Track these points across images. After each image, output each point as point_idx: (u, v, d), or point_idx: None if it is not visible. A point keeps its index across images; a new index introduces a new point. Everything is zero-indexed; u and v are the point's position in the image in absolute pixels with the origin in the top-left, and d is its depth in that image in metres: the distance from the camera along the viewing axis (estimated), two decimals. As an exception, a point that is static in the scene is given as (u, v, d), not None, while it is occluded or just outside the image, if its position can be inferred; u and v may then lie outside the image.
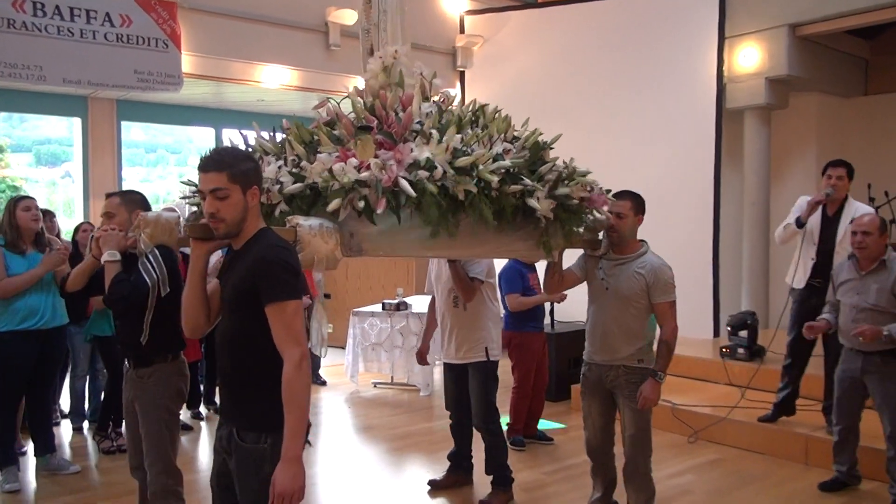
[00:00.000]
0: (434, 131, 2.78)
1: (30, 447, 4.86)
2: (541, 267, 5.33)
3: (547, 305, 6.04)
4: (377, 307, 7.33)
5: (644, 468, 3.57)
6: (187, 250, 3.87)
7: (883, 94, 8.88)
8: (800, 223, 4.96)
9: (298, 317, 2.18)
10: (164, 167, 10.27)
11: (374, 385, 7.38)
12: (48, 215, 5.54)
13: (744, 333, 6.47)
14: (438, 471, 4.67)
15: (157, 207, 4.23)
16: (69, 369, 5.66)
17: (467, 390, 4.42)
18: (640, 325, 3.53)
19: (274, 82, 8.01)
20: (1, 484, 4.40)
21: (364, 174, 2.56)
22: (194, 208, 3.09)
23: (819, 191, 4.99)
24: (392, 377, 7.31)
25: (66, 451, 5.20)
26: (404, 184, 2.58)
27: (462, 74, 9.46)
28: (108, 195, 3.41)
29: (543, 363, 5.53)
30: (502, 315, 4.90)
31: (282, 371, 2.13)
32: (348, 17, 7.98)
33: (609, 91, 8.38)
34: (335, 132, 2.89)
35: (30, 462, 4.82)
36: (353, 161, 2.59)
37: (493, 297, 4.39)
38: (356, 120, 2.90)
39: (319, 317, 6.88)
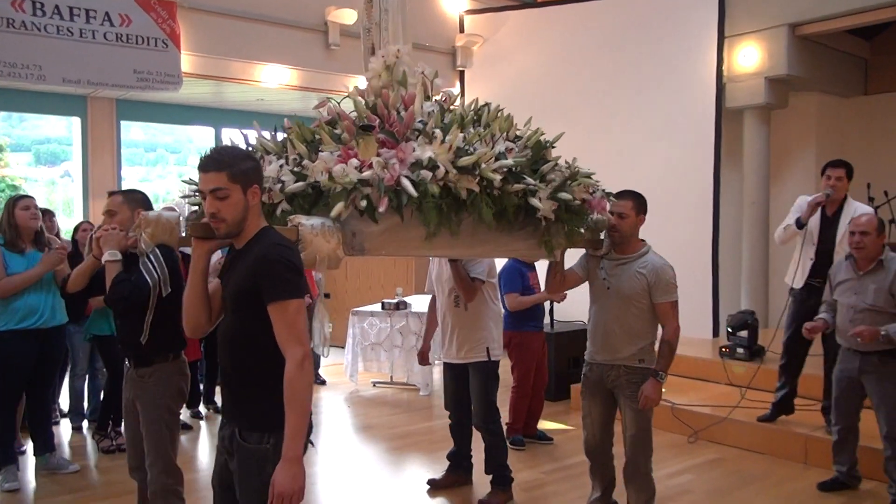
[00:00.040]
0: (437, 130, 2.78)
1: (29, 446, 4.85)
2: (541, 266, 5.35)
3: (546, 305, 6.04)
4: (377, 307, 7.33)
5: (645, 468, 3.57)
6: (187, 250, 3.87)
7: (882, 93, 8.88)
8: (800, 224, 4.96)
9: (301, 316, 2.16)
10: (164, 167, 10.27)
11: (374, 384, 7.38)
12: (47, 214, 5.54)
13: (743, 333, 6.47)
14: (438, 470, 4.67)
15: (156, 207, 4.23)
16: (69, 369, 5.66)
17: (467, 390, 4.42)
18: (642, 324, 3.53)
19: (273, 82, 8.01)
20: (0, 483, 4.40)
21: (366, 173, 2.55)
22: (194, 207, 3.09)
23: (819, 191, 4.99)
24: (391, 376, 7.31)
25: (66, 451, 5.20)
26: (406, 183, 2.57)
27: (462, 74, 9.46)
28: (111, 193, 3.40)
29: (543, 363, 5.52)
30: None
31: (284, 370, 2.12)
32: (348, 16, 7.98)
33: (608, 90, 8.38)
34: (337, 131, 2.88)
35: (29, 461, 4.82)
36: (355, 161, 2.58)
37: (494, 296, 4.39)
38: (358, 119, 2.89)
39: (321, 316, 6.87)
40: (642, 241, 3.60)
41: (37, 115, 8.81)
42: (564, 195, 3.02)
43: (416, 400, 6.85)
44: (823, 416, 5.04)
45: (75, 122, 8.37)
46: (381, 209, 2.52)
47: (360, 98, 3.14)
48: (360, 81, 3.35)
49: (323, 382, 7.39)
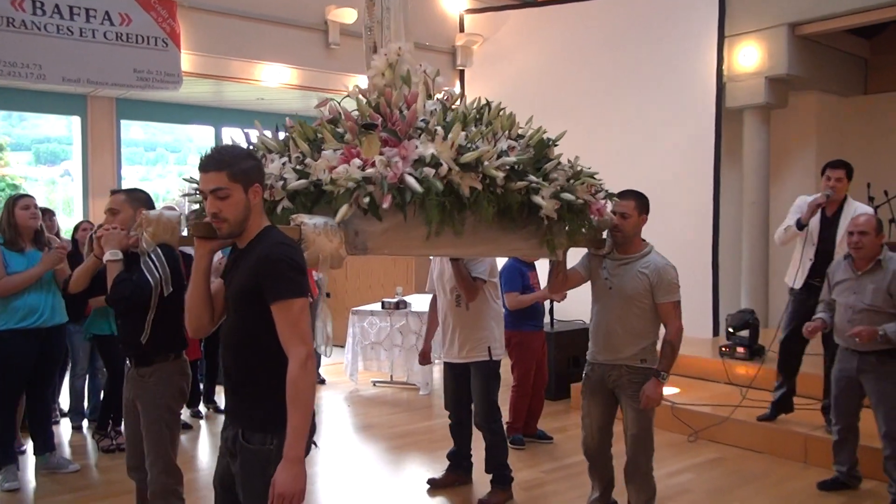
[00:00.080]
0: (439, 128, 2.78)
1: (29, 446, 4.85)
2: (541, 265, 5.35)
3: (546, 304, 6.04)
4: (376, 306, 7.34)
5: (646, 468, 3.57)
6: (187, 249, 3.86)
7: (882, 93, 8.88)
8: (800, 225, 4.96)
9: (304, 315, 2.14)
10: (164, 166, 10.27)
11: (374, 384, 7.39)
12: (47, 214, 5.54)
13: (744, 333, 6.47)
14: (438, 469, 4.67)
15: (157, 206, 4.23)
16: (69, 368, 5.66)
17: (468, 390, 4.42)
18: (644, 324, 3.52)
19: (273, 81, 8.01)
20: (0, 482, 4.40)
21: (369, 171, 2.54)
22: (195, 206, 3.08)
23: (819, 191, 4.99)
24: (391, 376, 7.31)
25: (66, 450, 5.20)
26: (410, 180, 2.56)
27: (462, 73, 9.46)
28: (113, 192, 3.39)
29: (543, 362, 5.52)
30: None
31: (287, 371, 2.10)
32: (348, 15, 7.98)
33: (608, 90, 8.38)
34: (339, 130, 2.88)
35: (29, 461, 4.82)
36: (357, 161, 2.57)
37: (495, 296, 4.38)
38: (360, 118, 2.88)
39: (324, 316, 6.85)
40: (645, 241, 3.59)
41: (37, 114, 8.81)
42: (567, 196, 3.01)
43: (415, 399, 6.85)
44: (823, 416, 5.04)
45: (75, 121, 8.37)
46: (385, 206, 2.51)
47: (361, 97, 3.14)
48: (360, 80, 3.35)
49: (323, 382, 7.39)
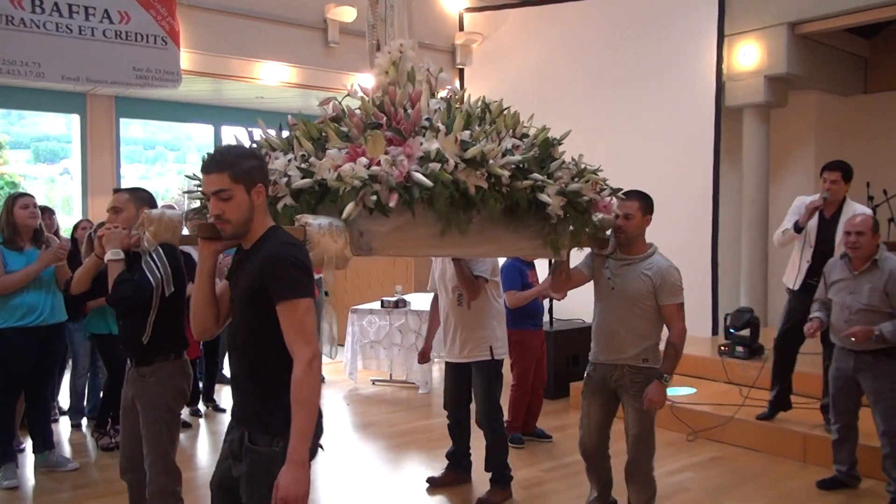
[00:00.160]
0: (442, 125, 2.77)
1: (28, 444, 4.86)
2: (540, 264, 5.36)
3: (546, 303, 6.04)
4: (376, 305, 7.33)
5: (646, 467, 3.56)
6: (187, 248, 3.85)
7: (882, 92, 8.88)
8: (798, 228, 4.97)
9: (310, 315, 2.12)
10: (163, 164, 10.27)
11: (373, 382, 7.39)
12: (47, 212, 5.53)
13: (745, 332, 6.47)
14: (437, 468, 4.67)
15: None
16: (68, 366, 5.66)
17: (467, 389, 4.43)
18: (646, 325, 3.51)
19: (273, 79, 8.01)
20: (-1, 480, 4.41)
21: (375, 169, 2.52)
22: (195, 203, 3.08)
23: (818, 192, 5.00)
24: (391, 374, 7.31)
25: (65, 448, 5.20)
26: (417, 176, 2.55)
27: (461, 72, 9.46)
28: (116, 191, 3.38)
29: (542, 361, 5.52)
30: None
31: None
32: (347, 14, 7.98)
33: (608, 89, 8.38)
34: (343, 129, 2.87)
35: (28, 459, 4.82)
36: (363, 160, 2.55)
37: (497, 295, 4.38)
38: (364, 117, 2.87)
39: (330, 318, 6.87)
40: (649, 243, 3.59)
41: (36, 112, 8.81)
42: (574, 185, 3.01)
43: (415, 398, 6.86)
44: (822, 415, 5.04)
45: (74, 119, 8.37)
46: (392, 204, 2.50)
47: (365, 96, 3.13)
48: (360, 79, 3.34)
49: (322, 380, 7.38)
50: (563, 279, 3.60)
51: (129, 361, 3.27)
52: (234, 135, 3.10)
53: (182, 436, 4.99)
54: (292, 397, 2.06)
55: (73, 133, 8.49)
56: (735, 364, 6.30)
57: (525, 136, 3.13)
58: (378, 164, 2.55)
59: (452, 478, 4.55)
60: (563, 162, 3.11)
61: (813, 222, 4.96)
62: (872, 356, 4.06)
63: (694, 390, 6.10)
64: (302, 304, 2.11)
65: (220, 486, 2.35)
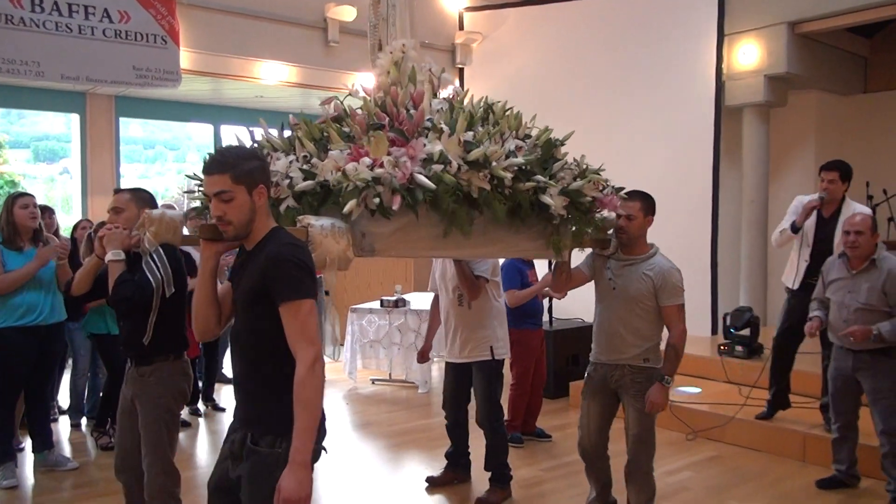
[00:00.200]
0: (445, 126, 2.76)
1: (28, 443, 4.86)
2: (539, 263, 5.35)
3: (545, 302, 6.04)
4: (375, 304, 7.33)
5: (646, 467, 3.56)
6: (187, 247, 3.84)
7: (882, 91, 8.88)
8: (795, 228, 4.98)
9: (312, 316, 2.10)
10: (163, 164, 10.28)
11: (373, 382, 7.39)
12: (47, 212, 5.53)
13: (745, 332, 6.47)
14: (436, 467, 4.67)
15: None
16: (68, 366, 5.65)
17: (467, 389, 4.43)
18: (647, 326, 3.50)
19: (273, 79, 8.00)
20: (-1, 480, 4.41)
21: (378, 171, 2.51)
22: (194, 203, 3.07)
23: (817, 191, 5.00)
24: (390, 374, 7.31)
25: (65, 448, 5.20)
26: (421, 178, 2.54)
27: (461, 71, 9.46)
28: (117, 191, 3.37)
29: (542, 360, 5.52)
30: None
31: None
32: (347, 13, 7.98)
33: (608, 88, 8.38)
34: (345, 129, 2.86)
35: (28, 458, 4.82)
36: (367, 160, 2.54)
37: (498, 295, 4.38)
38: (367, 117, 2.86)
39: (332, 319, 6.86)
40: (651, 243, 3.58)
41: (36, 111, 8.82)
42: (576, 184, 3.00)
43: (414, 397, 6.86)
44: (822, 414, 5.04)
45: (74, 118, 8.37)
46: (395, 207, 2.49)
47: (367, 96, 3.12)
48: (360, 78, 3.34)
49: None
50: (564, 279, 3.60)
51: (128, 361, 3.26)
52: (235, 134, 3.09)
53: (181, 435, 5.00)
54: (295, 398, 2.05)
55: (72, 132, 8.49)
56: (734, 363, 6.30)
57: (528, 136, 3.12)
58: (381, 165, 2.54)
59: (451, 477, 4.55)
60: (566, 163, 3.10)
61: (811, 222, 4.96)
62: (871, 355, 4.07)
63: (699, 390, 6.10)
64: (305, 304, 2.10)
65: (218, 487, 2.34)
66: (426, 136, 2.75)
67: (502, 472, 4.30)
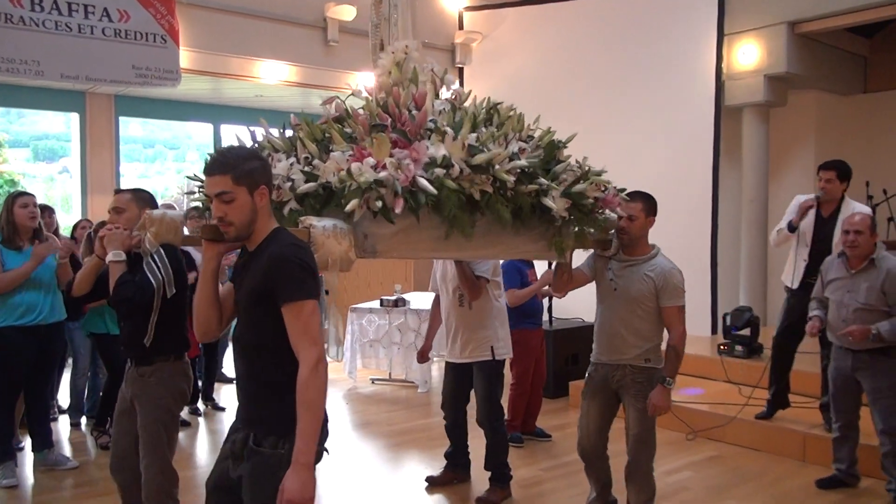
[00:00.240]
0: (449, 129, 2.76)
1: (28, 443, 4.85)
2: (539, 263, 5.35)
3: (545, 302, 6.04)
4: (375, 304, 7.33)
5: (646, 467, 3.55)
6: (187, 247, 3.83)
7: (882, 91, 8.89)
8: (791, 227, 4.98)
9: (315, 317, 2.10)
10: (162, 163, 10.28)
11: (372, 381, 7.39)
12: (47, 211, 5.53)
13: (746, 331, 6.47)
14: (436, 467, 4.67)
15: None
16: (68, 365, 5.65)
17: (466, 390, 4.42)
18: (648, 326, 3.50)
19: (272, 78, 8.00)
20: (-1, 479, 4.40)
21: (381, 174, 2.50)
22: (194, 203, 3.07)
23: (817, 191, 5.01)
24: (390, 373, 7.31)
25: (65, 447, 5.20)
26: (423, 182, 2.53)
27: (461, 71, 9.45)
28: (118, 191, 3.37)
29: (542, 360, 5.52)
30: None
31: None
32: (347, 13, 7.97)
33: (607, 87, 8.38)
34: (347, 129, 2.85)
35: (27, 457, 4.82)
36: (370, 161, 2.53)
37: (498, 295, 4.37)
38: (370, 118, 2.85)
39: (335, 320, 6.84)
40: (652, 244, 3.57)
41: (35, 110, 8.81)
42: (579, 187, 3.00)
43: (414, 397, 6.86)
44: (821, 414, 5.05)
45: (74, 117, 8.37)
46: (398, 210, 2.48)
47: (369, 96, 3.11)
48: (360, 78, 3.33)
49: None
50: (565, 280, 3.59)
51: (129, 361, 3.25)
52: (235, 134, 3.08)
53: (181, 434, 5.00)
54: (298, 399, 2.05)
55: (72, 131, 8.48)
56: (734, 363, 6.30)
57: (530, 137, 3.11)
58: (384, 167, 2.53)
59: (451, 477, 4.55)
60: (569, 165, 3.10)
61: (810, 221, 4.97)
62: (870, 355, 4.07)
63: (702, 391, 6.09)
64: (307, 305, 2.09)
65: (217, 486, 2.33)
66: (429, 138, 2.75)
67: (502, 472, 4.30)
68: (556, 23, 8.87)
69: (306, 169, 2.66)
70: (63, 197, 9.06)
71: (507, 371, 5.05)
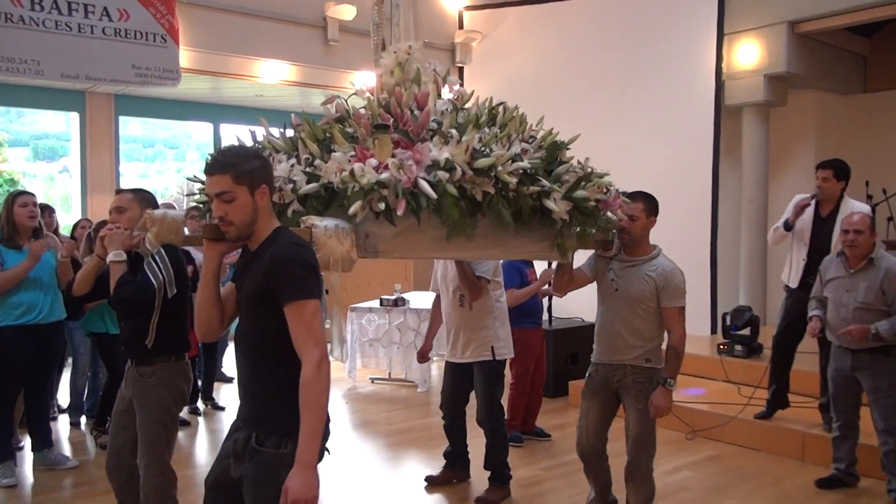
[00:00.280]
0: (453, 131, 2.75)
1: (27, 442, 4.85)
2: (538, 262, 5.35)
3: (545, 301, 6.04)
4: (375, 303, 7.33)
5: (646, 467, 3.55)
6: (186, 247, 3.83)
7: (882, 91, 8.89)
8: (787, 226, 4.99)
9: (318, 316, 2.10)
10: (162, 162, 10.27)
11: (372, 381, 7.39)
12: (47, 210, 5.53)
13: (746, 331, 6.47)
14: (435, 466, 4.67)
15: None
16: (67, 365, 5.65)
17: (466, 389, 4.42)
18: (649, 327, 3.49)
19: (272, 78, 8.00)
20: (-2, 479, 4.40)
21: (384, 175, 2.50)
22: (193, 204, 3.06)
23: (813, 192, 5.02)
24: (389, 373, 7.31)
25: (64, 447, 5.20)
26: (425, 185, 2.53)
27: (461, 70, 9.45)
28: (119, 191, 3.36)
29: (541, 359, 5.52)
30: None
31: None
32: (347, 12, 7.97)
33: (607, 87, 8.37)
34: (348, 130, 2.85)
35: (27, 457, 4.82)
36: (373, 161, 2.52)
37: (499, 295, 4.37)
38: (372, 118, 2.84)
39: (339, 320, 6.84)
40: (654, 244, 3.57)
41: (35, 109, 8.80)
42: (580, 193, 3.00)
43: (414, 396, 6.86)
44: (821, 413, 5.05)
45: (74, 117, 8.37)
46: (400, 212, 2.48)
47: (371, 96, 3.10)
48: (360, 77, 3.32)
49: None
50: (566, 280, 3.59)
51: (129, 361, 3.24)
52: (235, 134, 3.07)
53: (180, 434, 5.00)
54: (301, 399, 2.04)
55: (72, 131, 8.48)
56: (734, 363, 6.30)
57: (532, 138, 3.11)
58: (386, 167, 2.53)
59: (450, 476, 4.55)
60: (571, 166, 3.09)
61: (808, 220, 4.97)
62: (869, 354, 4.07)
63: (704, 391, 6.09)
64: (310, 304, 2.08)
65: (216, 484, 2.32)
66: (431, 140, 2.74)
67: (502, 472, 4.30)
68: (556, 22, 8.87)
69: (308, 170, 2.65)
70: (63, 196, 9.06)
71: (506, 370, 5.06)
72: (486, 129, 2.92)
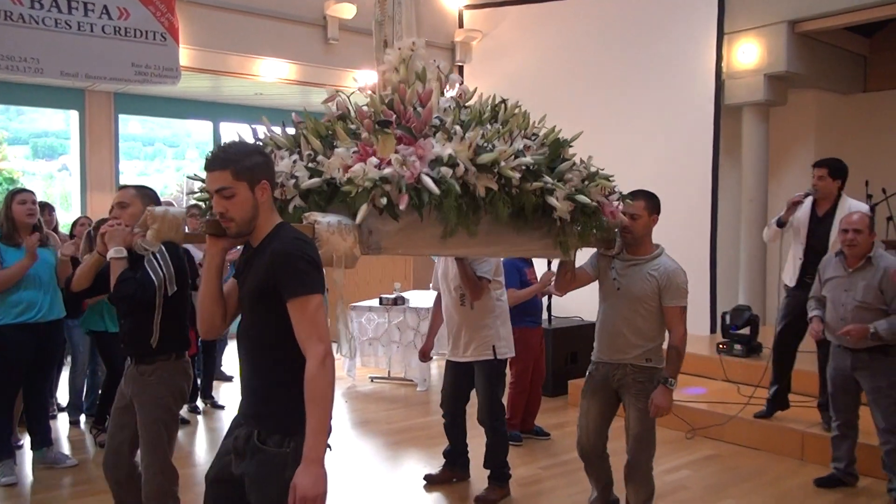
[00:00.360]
0: (457, 127, 2.74)
1: (26, 441, 4.85)
2: (538, 261, 5.35)
3: (545, 300, 6.04)
4: (374, 302, 7.33)
5: (646, 467, 3.55)
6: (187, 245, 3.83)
7: (882, 90, 8.89)
8: (780, 223, 5.00)
9: (321, 311, 2.08)
10: (162, 161, 10.26)
11: (371, 380, 7.39)
12: (46, 208, 5.53)
13: (745, 331, 6.47)
14: (435, 465, 4.67)
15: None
16: (67, 363, 5.65)
17: (466, 389, 4.42)
18: (650, 326, 3.49)
19: (272, 76, 7.99)
20: (-2, 477, 4.40)
21: (386, 170, 2.49)
22: (193, 202, 3.06)
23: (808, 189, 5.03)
24: (389, 372, 7.31)
25: (63, 445, 5.20)
26: (428, 181, 2.52)
27: (461, 69, 9.44)
28: (122, 187, 3.35)
29: (541, 358, 5.52)
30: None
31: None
32: (347, 10, 7.96)
33: (607, 86, 8.37)
34: (351, 126, 2.84)
35: (26, 455, 4.82)
36: (374, 160, 2.52)
37: (500, 294, 4.37)
38: (374, 115, 2.83)
39: (344, 318, 6.82)
40: (656, 244, 3.57)
41: (35, 108, 8.80)
42: (582, 198, 2.99)
43: (413, 395, 6.86)
44: (820, 413, 5.05)
45: (73, 115, 8.36)
46: (402, 207, 2.47)
47: (372, 93, 3.10)
48: (359, 76, 3.32)
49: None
50: (568, 279, 3.58)
51: (128, 359, 3.23)
52: (236, 132, 3.06)
53: (180, 433, 4.98)
54: (306, 395, 2.03)
55: (71, 129, 8.48)
56: (733, 362, 6.31)
57: (535, 135, 3.10)
58: (388, 163, 2.52)
59: (450, 475, 4.55)
60: (574, 164, 3.09)
61: (804, 219, 4.98)
62: (869, 354, 4.08)
63: (705, 390, 6.09)
64: (313, 300, 2.07)
65: (217, 479, 2.31)
66: (434, 136, 2.74)
67: (501, 471, 4.30)
68: (556, 21, 8.86)
69: (310, 165, 2.64)
70: (62, 194, 9.06)
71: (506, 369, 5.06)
72: (489, 126, 2.92)
